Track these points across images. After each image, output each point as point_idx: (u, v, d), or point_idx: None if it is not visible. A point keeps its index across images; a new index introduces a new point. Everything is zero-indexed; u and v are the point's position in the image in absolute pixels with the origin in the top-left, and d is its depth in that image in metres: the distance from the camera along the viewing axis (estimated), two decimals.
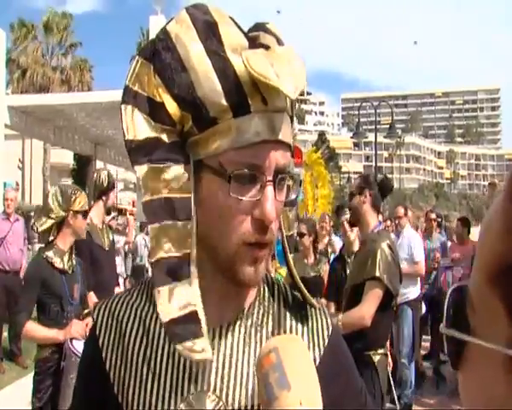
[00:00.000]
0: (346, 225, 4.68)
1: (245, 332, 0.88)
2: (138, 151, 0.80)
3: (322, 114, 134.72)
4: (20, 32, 31.44)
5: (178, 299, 0.77)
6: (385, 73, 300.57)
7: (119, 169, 17.16)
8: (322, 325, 0.93)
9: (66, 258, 3.24)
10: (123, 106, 0.81)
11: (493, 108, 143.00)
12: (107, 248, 4.35)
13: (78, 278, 3.34)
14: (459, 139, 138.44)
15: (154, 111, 0.80)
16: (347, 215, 4.67)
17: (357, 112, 27.37)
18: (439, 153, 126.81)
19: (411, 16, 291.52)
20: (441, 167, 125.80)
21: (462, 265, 6.80)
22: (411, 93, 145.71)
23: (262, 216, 0.77)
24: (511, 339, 0.42)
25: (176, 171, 0.79)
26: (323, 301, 4.69)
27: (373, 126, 22.16)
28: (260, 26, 0.85)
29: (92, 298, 4.10)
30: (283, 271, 4.90)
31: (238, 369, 0.85)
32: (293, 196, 0.86)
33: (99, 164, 15.94)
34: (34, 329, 3.12)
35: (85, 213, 3.36)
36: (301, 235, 5.40)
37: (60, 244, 3.25)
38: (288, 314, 0.92)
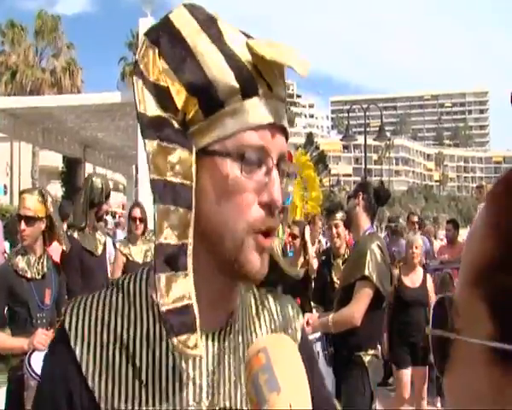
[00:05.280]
0: (334, 230, 4.69)
1: (233, 337, 0.86)
2: (149, 126, 0.78)
3: (311, 116, 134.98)
4: (10, 34, 31.18)
5: (174, 290, 0.75)
6: (374, 76, 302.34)
7: (108, 171, 17.07)
8: (294, 319, 0.96)
9: (34, 263, 3.12)
10: (135, 78, 0.80)
11: (481, 111, 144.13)
12: (99, 253, 4.24)
13: (51, 282, 3.22)
14: (448, 142, 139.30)
15: (158, 95, 0.78)
16: (337, 220, 4.68)
17: (346, 115, 27.47)
18: (428, 155, 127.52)
19: (401, 20, 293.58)
20: (430, 170, 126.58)
21: (452, 266, 6.84)
22: (400, 96, 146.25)
23: (269, 200, 0.77)
24: (492, 335, 0.44)
25: (181, 154, 0.77)
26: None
27: (362, 129, 22.24)
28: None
29: None
30: None
31: (226, 377, 0.83)
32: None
33: (88, 166, 15.88)
34: None
35: (23, 218, 3.06)
36: (294, 237, 5.40)
37: (29, 249, 3.14)
38: (266, 313, 0.93)
